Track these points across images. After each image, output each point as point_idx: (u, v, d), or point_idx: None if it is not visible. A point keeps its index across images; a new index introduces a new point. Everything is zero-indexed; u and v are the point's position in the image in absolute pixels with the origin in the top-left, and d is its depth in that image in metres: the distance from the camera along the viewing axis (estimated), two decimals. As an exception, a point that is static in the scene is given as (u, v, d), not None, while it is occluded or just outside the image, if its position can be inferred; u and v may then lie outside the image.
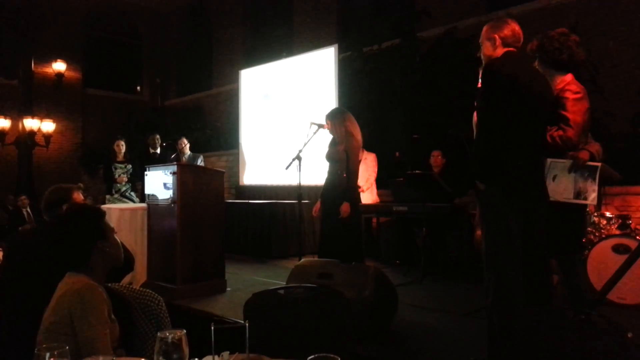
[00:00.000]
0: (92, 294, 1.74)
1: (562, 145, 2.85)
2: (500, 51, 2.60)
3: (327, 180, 4.46)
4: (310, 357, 1.09)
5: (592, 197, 2.89)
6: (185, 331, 1.19)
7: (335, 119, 4.33)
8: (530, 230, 2.51)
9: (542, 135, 2.69)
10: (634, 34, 5.91)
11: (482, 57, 2.72)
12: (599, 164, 2.93)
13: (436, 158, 5.86)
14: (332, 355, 1.09)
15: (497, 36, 2.62)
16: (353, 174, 4.29)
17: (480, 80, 2.53)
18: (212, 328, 1.14)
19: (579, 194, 2.88)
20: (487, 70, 2.53)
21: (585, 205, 3.06)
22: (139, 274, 4.51)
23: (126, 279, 3.75)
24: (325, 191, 4.45)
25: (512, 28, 2.62)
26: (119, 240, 2.03)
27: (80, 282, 1.77)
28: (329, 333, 1.66)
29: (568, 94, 2.87)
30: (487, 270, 2.51)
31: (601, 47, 5.73)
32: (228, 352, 1.18)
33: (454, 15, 7.18)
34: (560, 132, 2.82)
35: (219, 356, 1.17)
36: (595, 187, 2.89)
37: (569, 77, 2.96)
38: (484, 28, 2.70)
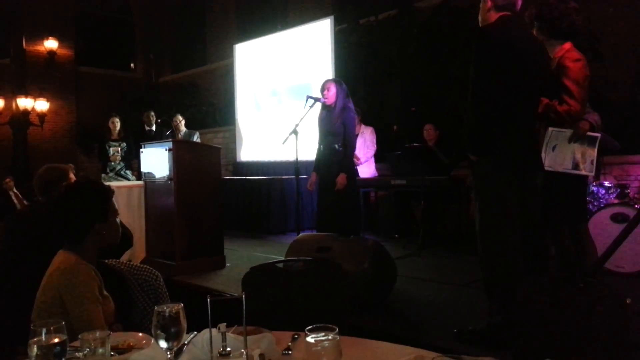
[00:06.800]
0: (79, 273, 1.72)
1: (569, 120, 2.81)
2: (494, 16, 2.48)
3: (321, 153, 4.44)
4: (308, 328, 1.08)
5: (590, 167, 2.88)
6: (182, 305, 1.18)
7: (339, 86, 4.32)
8: (525, 201, 2.48)
9: (537, 103, 2.64)
10: (635, 1, 5.80)
11: (480, 20, 2.60)
12: (599, 135, 2.91)
13: (429, 131, 5.82)
14: (330, 326, 1.08)
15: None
16: (349, 146, 4.28)
17: (472, 47, 2.44)
18: (209, 300, 1.13)
19: (577, 165, 2.87)
20: (478, 37, 2.44)
21: (587, 175, 3.04)
22: (138, 251, 4.52)
23: (125, 256, 3.75)
24: (320, 164, 4.43)
25: None
26: (119, 222, 1.96)
27: (68, 261, 1.75)
28: (327, 305, 1.66)
29: (568, 63, 2.82)
30: (483, 242, 2.49)
31: (601, 14, 5.63)
32: (225, 324, 1.17)
33: (451, -16, 7.03)
34: (566, 107, 2.77)
35: (216, 329, 1.16)
36: (594, 158, 2.87)
37: (567, 45, 2.90)
38: None
